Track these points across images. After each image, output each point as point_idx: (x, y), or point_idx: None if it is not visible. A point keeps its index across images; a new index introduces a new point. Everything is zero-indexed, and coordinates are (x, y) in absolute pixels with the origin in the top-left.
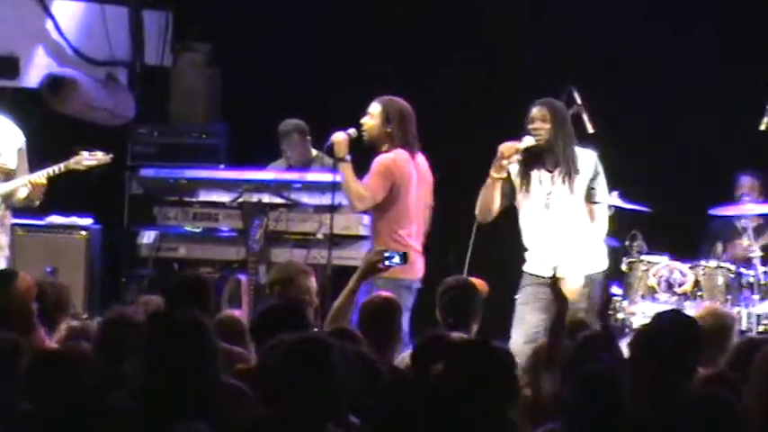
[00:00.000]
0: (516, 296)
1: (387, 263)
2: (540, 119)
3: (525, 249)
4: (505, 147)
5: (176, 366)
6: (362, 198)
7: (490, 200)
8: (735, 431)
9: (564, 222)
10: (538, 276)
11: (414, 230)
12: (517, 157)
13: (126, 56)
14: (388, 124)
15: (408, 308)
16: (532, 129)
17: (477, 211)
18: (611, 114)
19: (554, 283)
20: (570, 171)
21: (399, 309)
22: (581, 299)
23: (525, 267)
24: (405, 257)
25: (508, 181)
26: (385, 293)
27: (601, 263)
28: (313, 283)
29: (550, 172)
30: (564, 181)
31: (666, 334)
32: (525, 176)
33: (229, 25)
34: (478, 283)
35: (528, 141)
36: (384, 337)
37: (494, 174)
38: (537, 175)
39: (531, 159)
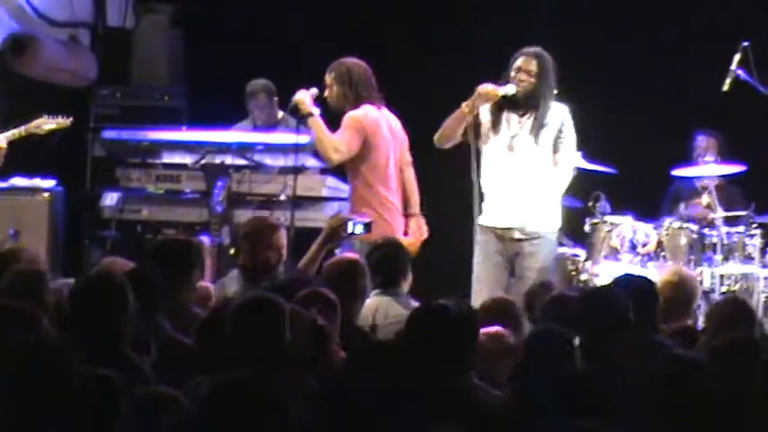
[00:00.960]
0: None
1: (350, 230)
2: (526, 71)
3: (482, 200)
4: (485, 89)
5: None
6: (338, 149)
7: (452, 130)
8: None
9: (525, 168)
10: (490, 228)
11: (392, 185)
12: (492, 101)
13: (88, 17)
14: (343, 87)
15: None
16: (517, 79)
17: (436, 136)
18: (574, 75)
19: None
20: (541, 124)
21: (363, 271)
22: (533, 259)
23: (480, 219)
24: (368, 226)
25: (476, 119)
26: (350, 255)
27: (554, 222)
28: (283, 238)
29: (520, 117)
30: (531, 130)
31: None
32: (495, 117)
33: None
34: (408, 242)
35: (509, 90)
36: (347, 299)
37: (464, 108)
38: (506, 117)
39: (505, 103)
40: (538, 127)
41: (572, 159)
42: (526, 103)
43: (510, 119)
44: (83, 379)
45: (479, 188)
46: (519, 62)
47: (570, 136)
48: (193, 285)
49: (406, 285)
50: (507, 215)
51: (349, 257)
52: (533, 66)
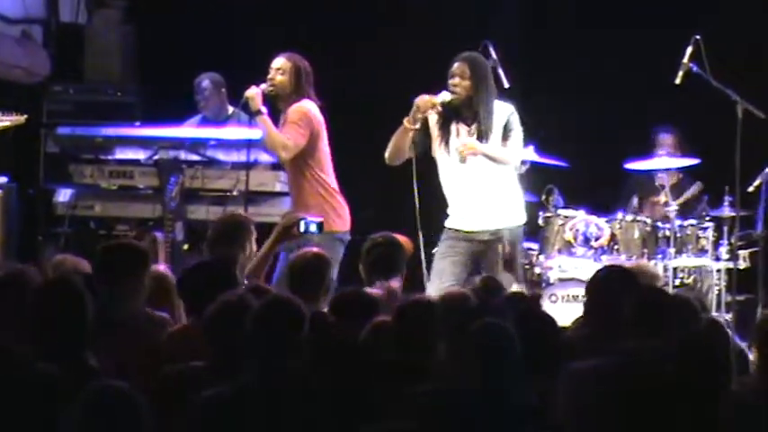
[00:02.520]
0: (434, 250)
1: (302, 229)
2: (458, 74)
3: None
4: (422, 100)
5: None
6: (286, 147)
7: (400, 147)
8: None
9: (480, 177)
10: (456, 231)
11: (334, 178)
12: (432, 111)
13: (41, 13)
14: (299, 79)
15: (338, 260)
16: (451, 84)
17: (386, 154)
18: (527, 69)
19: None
20: (487, 128)
21: (329, 264)
22: (496, 254)
23: (446, 222)
24: (321, 226)
25: (424, 131)
26: (314, 249)
27: (518, 217)
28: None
29: (468, 126)
30: (480, 137)
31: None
32: (444, 129)
33: None
34: (403, 240)
35: (444, 96)
36: (312, 293)
37: (407, 124)
38: (455, 128)
39: (450, 113)
40: (483, 134)
41: (516, 153)
42: (469, 109)
43: (459, 129)
44: (28, 375)
45: (418, 200)
46: (453, 68)
47: (517, 135)
48: (143, 287)
49: (397, 283)
50: (472, 219)
51: (315, 251)
52: (465, 69)
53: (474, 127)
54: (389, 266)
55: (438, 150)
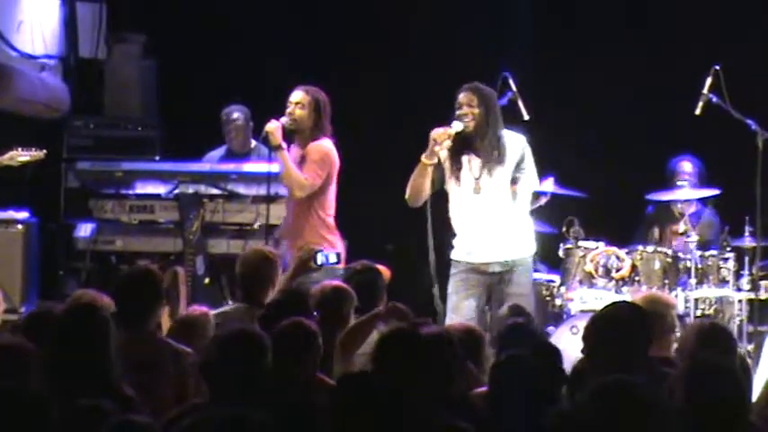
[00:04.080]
0: (434, 289)
1: (319, 262)
2: (466, 104)
3: (453, 236)
4: (437, 133)
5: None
6: (303, 186)
7: (420, 185)
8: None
9: (493, 208)
10: (467, 263)
11: (333, 214)
12: (448, 142)
13: (60, 49)
14: (318, 114)
15: None
16: (460, 114)
17: (407, 196)
18: (547, 100)
19: None
20: (498, 157)
21: (351, 297)
22: (512, 285)
23: (453, 255)
24: (338, 257)
25: (438, 167)
26: (337, 282)
27: (529, 248)
28: (278, 270)
29: (480, 157)
30: (492, 167)
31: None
32: (455, 162)
33: (164, 16)
34: (382, 269)
35: (457, 126)
36: (331, 324)
37: (425, 160)
38: (467, 159)
39: (462, 144)
40: (497, 163)
41: (530, 187)
42: (479, 139)
43: (471, 161)
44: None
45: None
46: (459, 98)
47: (530, 167)
48: (158, 314)
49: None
50: (482, 251)
51: (336, 284)
52: (472, 97)
53: (485, 157)
54: (369, 293)
55: (450, 182)
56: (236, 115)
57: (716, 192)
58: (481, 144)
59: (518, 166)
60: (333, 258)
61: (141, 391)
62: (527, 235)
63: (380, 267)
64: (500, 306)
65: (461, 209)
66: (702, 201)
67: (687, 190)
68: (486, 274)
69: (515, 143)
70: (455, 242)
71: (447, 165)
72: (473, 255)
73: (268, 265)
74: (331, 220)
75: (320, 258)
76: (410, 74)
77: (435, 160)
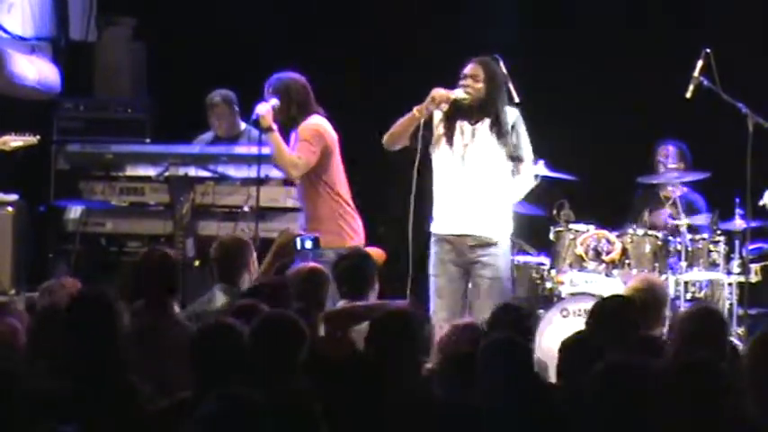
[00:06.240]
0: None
1: (298, 247)
2: (472, 76)
3: (432, 207)
4: (438, 93)
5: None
6: (296, 165)
7: (401, 133)
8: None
9: (478, 177)
10: (443, 237)
11: (347, 190)
12: (445, 105)
13: (50, 31)
14: (282, 104)
15: None
16: (464, 84)
17: (384, 139)
18: (537, 83)
19: None
20: (501, 129)
21: (326, 280)
22: (488, 268)
23: (432, 227)
24: (317, 241)
25: (428, 126)
26: (313, 264)
27: (507, 228)
28: (253, 255)
29: (473, 125)
30: (482, 141)
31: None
32: (448, 128)
33: None
34: (374, 252)
35: (458, 94)
36: (308, 307)
37: (416, 113)
38: (459, 125)
39: (457, 111)
40: (498, 133)
41: (531, 164)
42: (477, 111)
43: (463, 127)
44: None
45: (415, 192)
46: (466, 69)
47: (524, 138)
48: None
49: (373, 295)
50: (460, 222)
51: (311, 266)
52: (480, 72)
53: (479, 127)
54: (358, 278)
55: (437, 146)
56: (216, 99)
57: (706, 174)
58: (479, 116)
59: (512, 138)
60: (309, 244)
61: (165, 376)
62: (505, 214)
63: (373, 251)
64: (478, 290)
65: (446, 175)
66: (690, 184)
67: (676, 173)
68: (464, 254)
69: (509, 114)
70: (434, 212)
71: (439, 128)
72: (449, 225)
73: (244, 248)
74: (344, 194)
75: (298, 243)
76: (400, 59)
77: (425, 115)
